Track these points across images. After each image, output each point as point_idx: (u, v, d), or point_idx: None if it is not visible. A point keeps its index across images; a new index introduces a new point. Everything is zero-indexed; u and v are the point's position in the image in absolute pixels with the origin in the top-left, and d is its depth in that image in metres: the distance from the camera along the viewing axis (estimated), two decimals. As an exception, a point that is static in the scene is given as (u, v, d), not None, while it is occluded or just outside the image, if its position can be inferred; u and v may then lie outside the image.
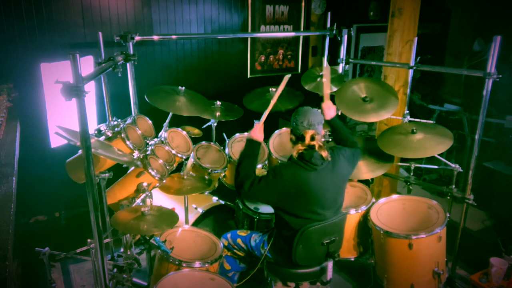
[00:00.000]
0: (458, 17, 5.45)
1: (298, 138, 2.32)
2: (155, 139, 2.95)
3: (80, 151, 2.31)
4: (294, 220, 2.28)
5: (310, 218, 2.27)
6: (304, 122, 2.27)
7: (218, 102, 3.48)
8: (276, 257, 2.43)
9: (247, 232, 2.64)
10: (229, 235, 2.67)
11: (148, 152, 2.73)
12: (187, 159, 3.03)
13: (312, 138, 2.27)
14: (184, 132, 3.20)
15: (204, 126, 3.48)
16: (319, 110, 2.45)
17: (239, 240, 2.61)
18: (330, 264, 2.38)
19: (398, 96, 3.14)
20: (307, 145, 2.26)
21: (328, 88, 2.73)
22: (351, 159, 2.47)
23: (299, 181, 2.22)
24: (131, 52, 3.02)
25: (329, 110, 2.63)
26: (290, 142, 2.39)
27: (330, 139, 3.32)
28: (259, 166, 3.28)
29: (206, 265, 2.42)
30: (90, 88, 2.96)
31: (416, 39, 3.11)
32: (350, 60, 3.79)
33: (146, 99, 2.94)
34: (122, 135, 2.66)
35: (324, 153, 2.27)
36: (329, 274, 2.41)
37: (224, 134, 3.48)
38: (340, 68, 3.74)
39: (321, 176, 2.27)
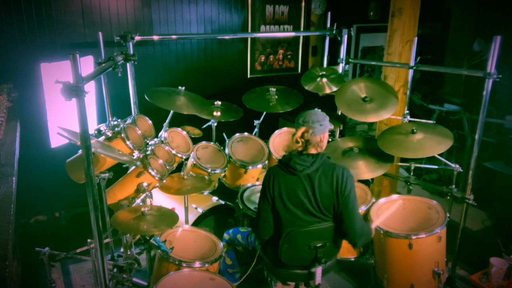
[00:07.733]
0: (458, 17, 5.45)
1: (293, 135, 2.28)
2: (155, 139, 2.95)
3: (80, 151, 2.31)
4: (279, 220, 2.26)
5: (293, 221, 2.23)
6: (300, 119, 2.24)
7: (218, 102, 3.48)
8: (266, 254, 2.43)
9: (248, 229, 2.67)
10: (231, 231, 2.73)
11: (148, 152, 2.73)
12: (187, 159, 3.03)
13: (302, 136, 2.20)
14: (184, 132, 3.20)
15: (204, 126, 3.48)
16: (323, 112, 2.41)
17: (239, 236, 2.65)
18: (319, 270, 2.35)
19: (398, 96, 3.14)
20: (295, 140, 2.22)
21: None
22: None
23: (275, 183, 2.20)
24: (131, 52, 3.02)
25: None
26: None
27: (330, 139, 3.32)
28: (259, 166, 3.29)
29: (206, 265, 2.43)
30: (90, 88, 2.96)
31: (416, 39, 3.11)
32: (350, 60, 3.79)
33: (146, 98, 2.95)
34: (122, 135, 2.66)
35: (312, 151, 2.21)
36: (318, 279, 2.37)
37: (224, 134, 3.48)
38: (340, 68, 3.74)
39: (302, 182, 2.19)
